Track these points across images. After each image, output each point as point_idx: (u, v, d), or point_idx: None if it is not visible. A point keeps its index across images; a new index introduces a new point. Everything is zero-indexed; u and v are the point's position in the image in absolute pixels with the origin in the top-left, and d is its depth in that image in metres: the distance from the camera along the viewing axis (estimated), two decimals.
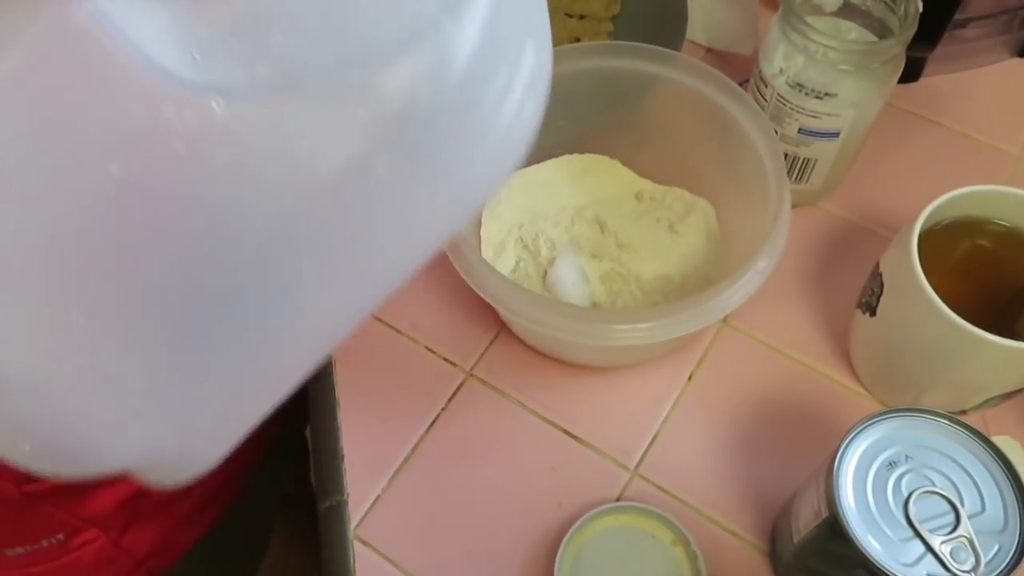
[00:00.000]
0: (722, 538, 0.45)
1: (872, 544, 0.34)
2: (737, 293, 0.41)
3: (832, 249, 0.54)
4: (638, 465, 0.48)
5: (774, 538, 0.44)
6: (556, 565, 0.43)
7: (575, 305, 0.48)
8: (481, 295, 0.43)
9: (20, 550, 0.51)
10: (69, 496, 0.50)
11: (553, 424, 0.49)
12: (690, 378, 0.50)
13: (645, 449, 0.48)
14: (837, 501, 0.35)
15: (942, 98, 0.61)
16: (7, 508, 0.49)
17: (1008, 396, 0.44)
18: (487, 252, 0.52)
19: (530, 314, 0.42)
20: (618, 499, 0.47)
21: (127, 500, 0.53)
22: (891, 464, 0.36)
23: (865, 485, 0.35)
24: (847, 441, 0.36)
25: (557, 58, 0.50)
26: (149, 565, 0.58)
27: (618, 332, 0.41)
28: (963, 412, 0.46)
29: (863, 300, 0.46)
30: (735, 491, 0.47)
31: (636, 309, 0.41)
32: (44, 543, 0.52)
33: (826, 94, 0.47)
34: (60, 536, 0.52)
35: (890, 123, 0.58)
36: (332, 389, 0.50)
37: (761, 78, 0.50)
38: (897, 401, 0.48)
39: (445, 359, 0.51)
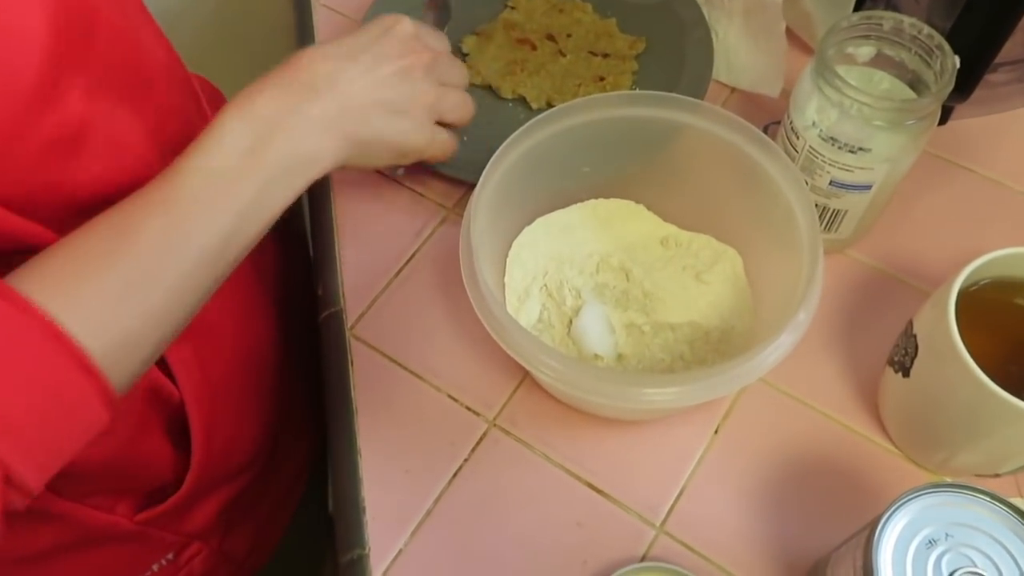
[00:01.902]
0: None
1: None
2: (773, 354, 0.41)
3: (861, 299, 0.54)
4: (664, 522, 0.47)
5: None
6: None
7: (604, 367, 0.48)
8: (508, 351, 0.43)
9: None
10: (176, 516, 0.52)
11: (578, 478, 0.48)
12: (716, 431, 0.50)
13: (671, 505, 0.47)
14: None
15: (972, 142, 0.60)
16: (122, 542, 0.51)
17: None
18: (511, 300, 0.52)
19: (559, 374, 0.41)
20: (644, 557, 0.46)
21: (224, 508, 0.56)
22: (931, 542, 0.35)
23: (904, 565, 0.35)
24: (885, 518, 0.35)
25: (584, 107, 0.50)
26: (250, 564, 0.62)
27: (649, 396, 0.40)
28: (996, 475, 0.45)
29: (896, 359, 0.46)
30: (762, 550, 0.46)
31: (668, 373, 0.41)
32: (155, 567, 0.54)
33: (860, 148, 0.46)
34: (170, 556, 0.54)
35: (919, 168, 0.57)
36: (354, 438, 0.50)
37: (792, 129, 0.49)
38: (928, 461, 0.47)
39: (468, 408, 0.51)
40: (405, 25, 0.48)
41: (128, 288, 0.36)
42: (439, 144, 0.50)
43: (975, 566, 0.34)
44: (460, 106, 0.50)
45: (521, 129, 0.49)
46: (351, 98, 0.44)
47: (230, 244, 0.39)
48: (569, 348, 0.51)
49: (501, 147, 0.48)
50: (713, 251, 0.53)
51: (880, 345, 0.49)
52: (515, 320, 0.43)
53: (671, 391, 0.40)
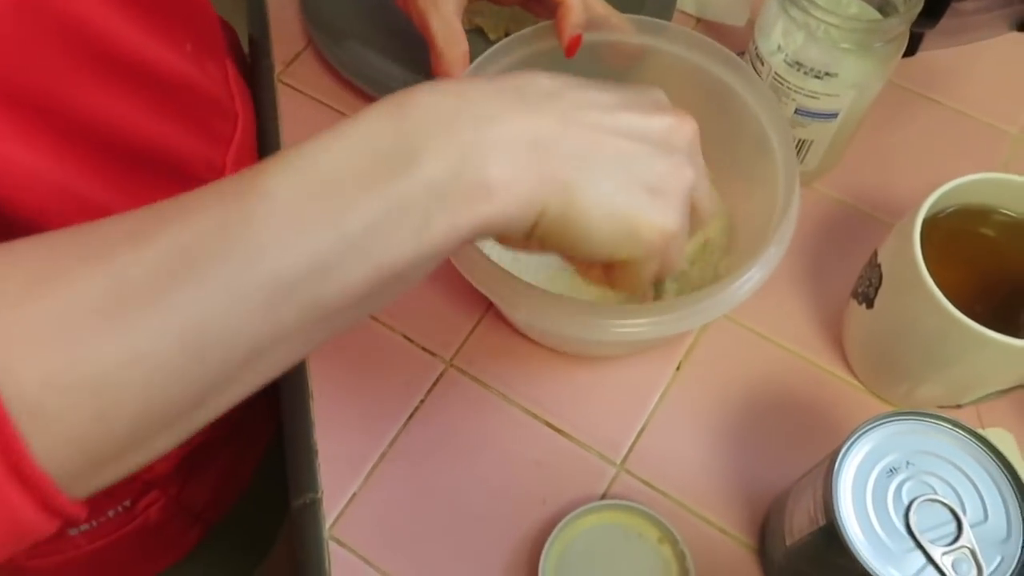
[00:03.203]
0: (710, 535, 0.44)
1: (871, 555, 0.33)
2: (744, 287, 0.39)
3: (826, 233, 0.53)
4: (624, 459, 0.46)
5: (764, 535, 0.43)
6: (540, 566, 0.42)
7: (575, 299, 0.46)
8: (475, 285, 0.41)
9: (85, 527, 0.51)
10: None
11: (536, 417, 0.47)
12: (678, 368, 0.49)
13: (632, 443, 0.47)
14: (835, 510, 0.33)
15: (940, 74, 0.58)
16: None
17: (1005, 392, 0.42)
18: None
19: (528, 309, 0.39)
20: (604, 495, 0.45)
21: (185, 456, 0.54)
22: (892, 471, 0.34)
23: (864, 493, 0.34)
24: (846, 446, 0.34)
25: (541, 34, 0.47)
26: (206, 517, 0.60)
27: (616, 328, 0.39)
28: (958, 407, 0.45)
29: (859, 290, 0.45)
30: (724, 486, 0.45)
31: (636, 305, 0.39)
32: (111, 513, 0.52)
33: (826, 74, 0.45)
34: (126, 503, 0.52)
35: (887, 100, 0.56)
36: (305, 381, 0.48)
37: (757, 55, 0.48)
38: (891, 393, 0.47)
39: (424, 348, 0.49)
40: (662, 93, 0.33)
41: (121, 312, 0.23)
42: (677, 248, 0.31)
43: (935, 493, 0.34)
44: (710, 199, 0.33)
45: (479, 59, 0.46)
46: (578, 123, 0.29)
47: (307, 283, 0.25)
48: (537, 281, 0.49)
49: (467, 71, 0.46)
50: None
51: (845, 279, 0.48)
52: (480, 250, 0.41)
53: (642, 322, 0.39)
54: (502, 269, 0.40)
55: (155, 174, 0.42)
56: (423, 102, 0.27)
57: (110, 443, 0.24)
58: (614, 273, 0.32)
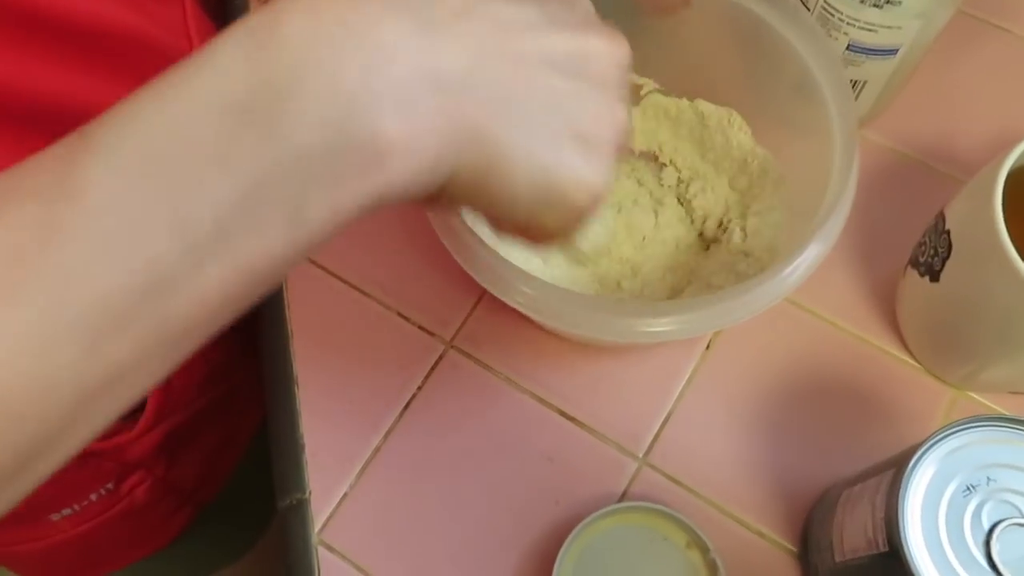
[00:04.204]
0: (744, 538, 0.39)
1: None
2: (797, 271, 0.33)
3: (879, 189, 0.46)
4: (647, 452, 0.41)
5: (806, 541, 0.38)
6: (555, 574, 0.37)
7: (589, 296, 0.40)
8: (473, 276, 0.35)
9: (68, 511, 0.48)
10: (117, 443, 0.46)
11: (548, 405, 0.42)
12: (707, 347, 0.43)
13: (655, 433, 0.41)
14: (901, 538, 0.28)
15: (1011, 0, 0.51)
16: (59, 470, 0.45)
17: None
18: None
19: (533, 302, 0.33)
20: (624, 493, 0.40)
21: (168, 436, 0.50)
22: (969, 489, 0.29)
23: (936, 517, 0.28)
24: (914, 460, 0.29)
25: None
26: (197, 498, 0.56)
27: (642, 328, 0.32)
28: (1019, 392, 0.39)
29: (921, 260, 0.38)
30: (760, 482, 0.40)
31: (667, 302, 0.33)
32: (93, 497, 0.49)
33: (887, 2, 0.38)
34: (109, 486, 0.49)
35: (949, 31, 0.49)
36: (289, 366, 0.43)
37: None
38: (953, 375, 0.41)
39: (421, 327, 0.44)
40: (588, 3, 0.26)
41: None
42: (595, 204, 0.25)
43: (1022, 516, 0.28)
44: (630, 122, 0.27)
45: None
46: (499, 52, 0.22)
47: (143, 306, 0.19)
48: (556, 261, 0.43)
49: None
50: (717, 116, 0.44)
51: (901, 244, 0.42)
52: (478, 236, 0.34)
53: (670, 321, 0.32)
54: (494, 252, 0.34)
55: None
56: (292, 30, 0.20)
57: None
58: (531, 232, 0.26)
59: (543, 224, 0.24)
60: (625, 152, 0.26)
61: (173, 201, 0.19)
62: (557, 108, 0.23)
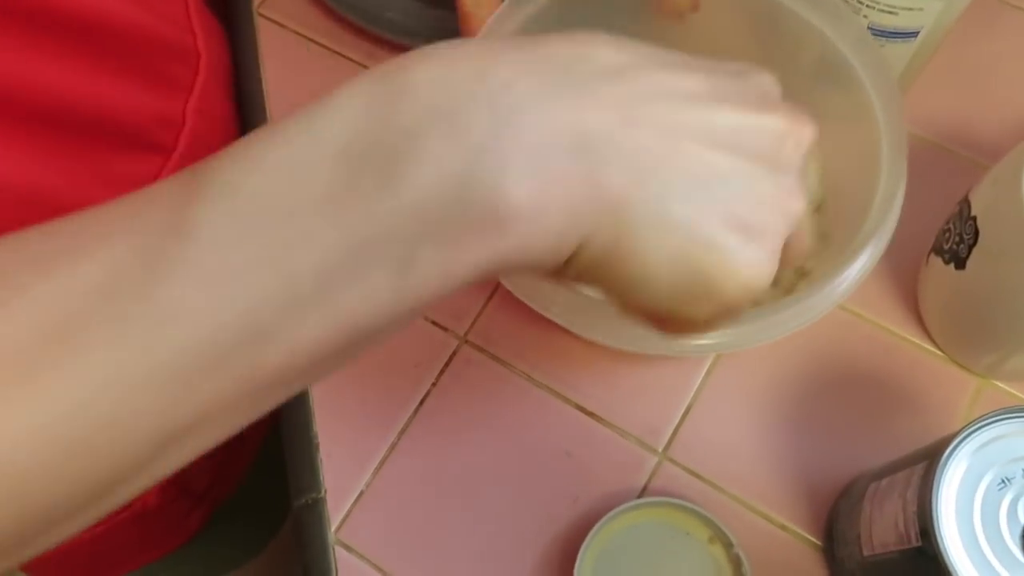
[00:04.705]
0: (768, 532, 0.39)
1: None
2: (848, 279, 0.32)
3: None
4: (668, 446, 0.40)
5: (831, 535, 0.37)
6: (575, 573, 0.37)
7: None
8: (516, 294, 0.34)
9: None
10: None
11: (566, 399, 0.41)
12: None
13: (675, 427, 0.41)
14: (936, 533, 0.27)
15: None
16: None
17: None
18: None
19: (577, 322, 0.32)
20: (645, 488, 0.40)
21: None
22: (1004, 482, 0.28)
23: (971, 511, 0.28)
24: (947, 453, 0.28)
25: None
26: (211, 498, 0.55)
27: (681, 343, 0.32)
28: None
29: (945, 247, 0.38)
30: (782, 475, 0.40)
31: None
32: None
33: None
34: None
35: (969, 13, 0.48)
36: None
37: None
38: (977, 363, 0.40)
39: (434, 322, 0.43)
40: (770, 77, 0.23)
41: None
42: (749, 300, 0.22)
43: None
44: (810, 232, 0.25)
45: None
46: (651, 120, 0.20)
47: (239, 353, 0.19)
48: None
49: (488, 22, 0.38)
50: None
51: (922, 231, 0.41)
52: None
53: (719, 335, 0.32)
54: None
55: (94, 141, 0.35)
56: (422, 79, 0.19)
57: None
58: (667, 323, 0.22)
59: (680, 316, 0.21)
60: (789, 261, 0.23)
61: (280, 249, 0.18)
62: (715, 187, 0.20)
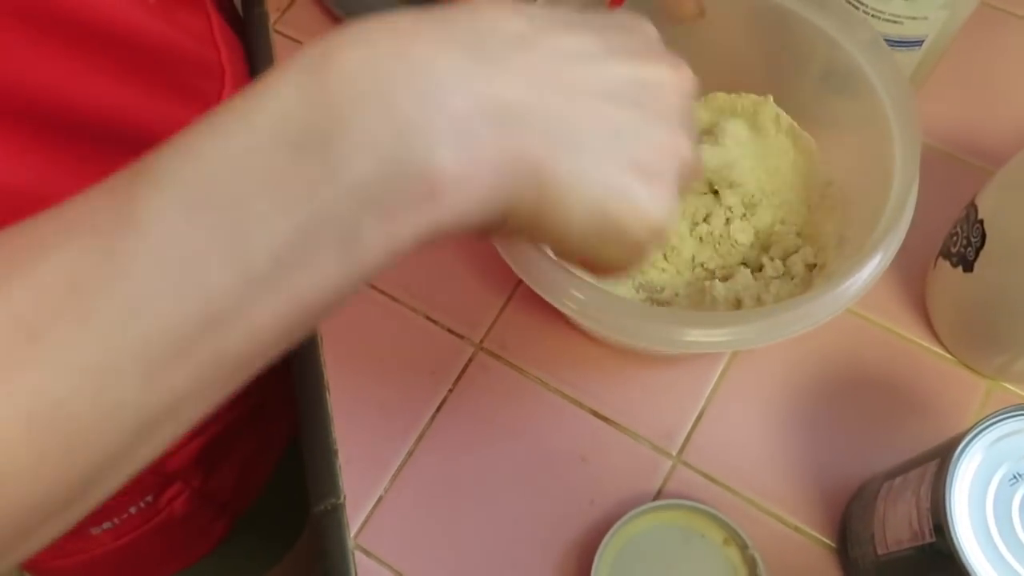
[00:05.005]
0: (782, 534, 0.39)
1: None
2: (860, 280, 0.33)
3: None
4: (681, 450, 0.41)
5: (845, 535, 0.38)
6: (593, 575, 0.37)
7: (649, 307, 0.40)
8: (533, 288, 0.34)
9: (108, 524, 0.49)
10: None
11: (580, 405, 0.42)
12: None
13: (689, 431, 0.41)
14: (950, 528, 0.28)
15: None
16: None
17: None
18: None
19: (602, 319, 0.33)
20: (659, 492, 0.40)
21: (205, 447, 0.50)
22: (1016, 478, 0.29)
23: (984, 507, 0.28)
24: (959, 450, 0.29)
25: None
26: (232, 508, 0.56)
27: (693, 338, 0.32)
28: None
29: (953, 250, 0.38)
30: (796, 478, 0.40)
31: (720, 313, 0.33)
32: (133, 510, 0.49)
33: None
34: (148, 499, 0.49)
35: (972, 22, 0.49)
36: (320, 372, 0.43)
37: None
38: (986, 365, 0.41)
39: (449, 331, 0.44)
40: (652, 28, 0.26)
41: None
42: (667, 236, 0.26)
43: None
44: (698, 160, 0.26)
45: None
46: (557, 83, 0.22)
47: (202, 339, 0.19)
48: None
49: None
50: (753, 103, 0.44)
51: (927, 235, 0.42)
52: (539, 248, 0.34)
53: (743, 329, 0.32)
54: (545, 255, 0.33)
55: (125, 151, 0.36)
56: (348, 61, 0.20)
57: None
58: (591, 265, 0.25)
59: (603, 258, 0.24)
60: (690, 185, 0.25)
61: (231, 235, 0.19)
62: (616, 139, 0.22)
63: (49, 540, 0.20)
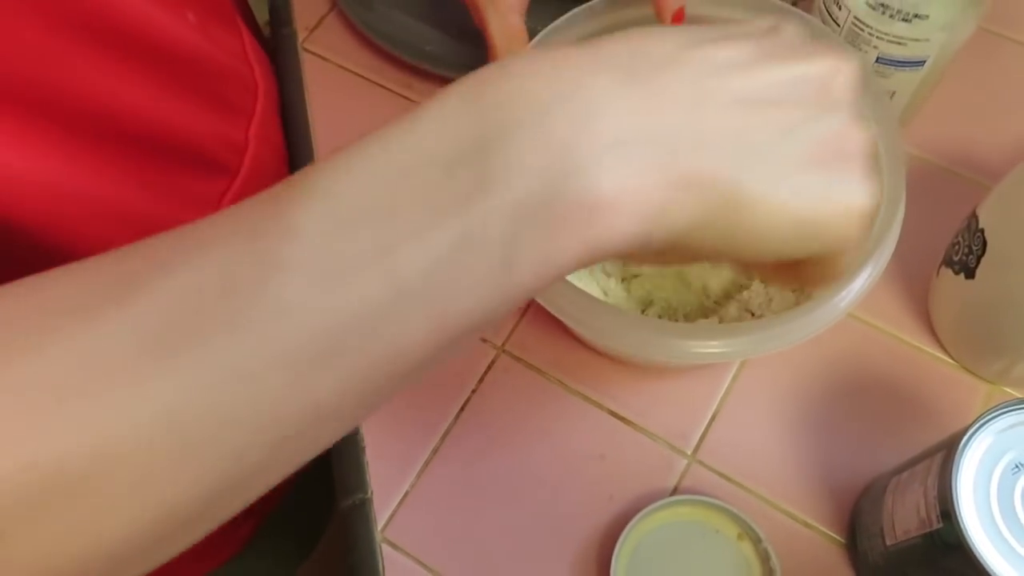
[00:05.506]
0: (793, 530, 0.41)
1: (998, 564, 0.29)
2: (853, 293, 0.35)
3: (908, 195, 0.48)
4: (696, 449, 0.43)
5: (855, 531, 0.39)
6: (612, 567, 0.39)
7: (652, 320, 0.42)
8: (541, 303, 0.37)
9: None
10: None
11: (599, 405, 0.44)
12: None
13: (703, 431, 0.43)
14: (956, 513, 0.29)
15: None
16: None
17: None
18: None
19: (601, 329, 0.35)
20: (676, 488, 0.42)
21: None
22: (1018, 467, 0.30)
23: (988, 494, 0.30)
24: (964, 440, 0.31)
25: (590, 13, 0.42)
26: (259, 509, 0.56)
27: (695, 349, 0.34)
28: None
29: (955, 259, 0.40)
30: (806, 476, 0.42)
31: (729, 326, 0.35)
32: None
33: (915, 15, 0.40)
34: None
35: (969, 45, 0.51)
36: None
37: None
38: (987, 370, 0.43)
39: None
40: (795, 25, 0.25)
41: (87, 391, 0.18)
42: (864, 223, 0.23)
43: None
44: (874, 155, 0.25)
45: (542, 33, 0.40)
46: (715, 99, 0.22)
47: (347, 349, 0.19)
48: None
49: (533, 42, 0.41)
50: None
51: (929, 247, 0.44)
52: None
53: (739, 342, 0.34)
54: (574, 287, 0.35)
55: (168, 160, 0.38)
56: (503, 89, 0.20)
57: (97, 564, 0.18)
58: (798, 271, 0.24)
59: (800, 255, 0.23)
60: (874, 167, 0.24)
61: (383, 246, 0.19)
62: (788, 139, 0.22)
63: (176, 552, 0.20)
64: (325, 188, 0.20)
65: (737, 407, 0.43)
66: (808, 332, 0.35)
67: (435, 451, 0.43)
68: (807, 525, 0.41)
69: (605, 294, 0.44)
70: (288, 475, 0.21)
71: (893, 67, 0.43)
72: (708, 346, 0.34)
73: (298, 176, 0.20)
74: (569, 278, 0.35)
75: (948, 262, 0.41)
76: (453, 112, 0.20)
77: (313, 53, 0.54)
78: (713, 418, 0.43)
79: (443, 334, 0.20)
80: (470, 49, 0.52)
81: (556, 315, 0.36)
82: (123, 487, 0.18)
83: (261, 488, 0.21)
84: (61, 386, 0.18)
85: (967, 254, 0.39)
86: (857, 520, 0.39)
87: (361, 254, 0.19)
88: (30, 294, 0.19)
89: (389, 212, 0.19)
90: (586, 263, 0.21)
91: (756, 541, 0.39)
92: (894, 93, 0.45)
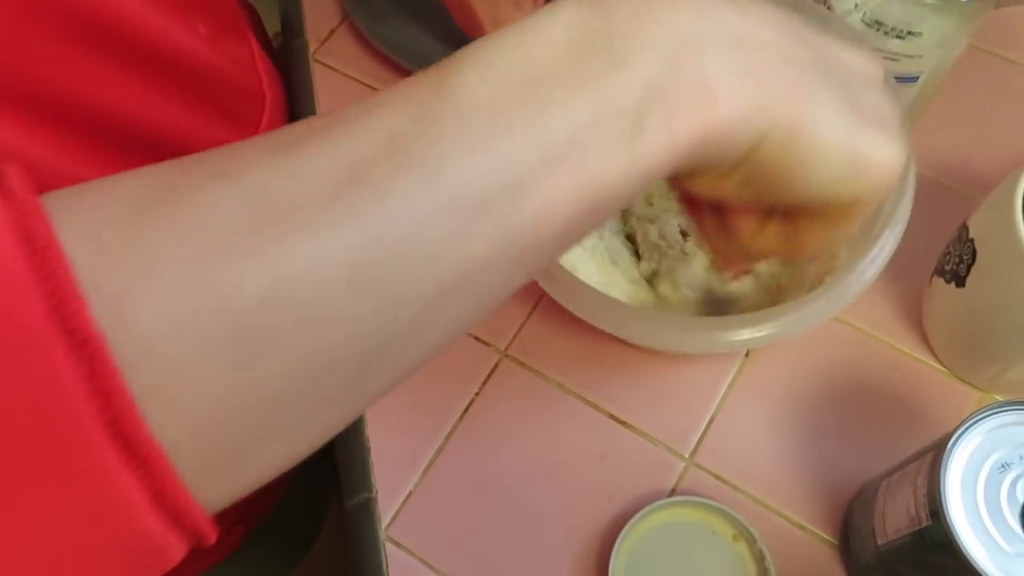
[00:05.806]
0: (787, 531, 0.42)
1: (984, 559, 0.30)
2: (855, 285, 0.36)
3: None
4: (694, 452, 0.44)
5: (847, 532, 0.40)
6: (610, 565, 0.40)
7: (673, 315, 0.43)
8: (566, 306, 0.38)
9: None
10: None
11: (598, 408, 0.45)
12: (747, 354, 0.46)
13: (701, 434, 0.44)
14: (944, 511, 0.30)
15: (1016, 33, 0.55)
16: None
17: None
18: None
19: (627, 328, 0.37)
20: (673, 490, 0.43)
21: None
22: (1004, 466, 0.31)
23: (975, 492, 0.31)
24: (952, 441, 0.32)
25: None
26: (250, 517, 0.57)
27: (727, 338, 0.36)
28: None
29: (947, 268, 0.41)
30: (801, 479, 0.43)
31: (739, 316, 0.37)
32: None
33: (908, 33, 0.41)
34: None
35: (961, 62, 0.53)
36: None
37: None
38: (978, 377, 0.44)
39: (476, 338, 0.47)
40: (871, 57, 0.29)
41: (268, 234, 0.19)
42: (893, 180, 0.26)
43: None
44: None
45: None
46: (793, 33, 0.25)
47: (502, 201, 0.20)
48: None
49: None
50: None
51: (924, 257, 0.45)
52: (566, 270, 0.38)
53: (759, 331, 0.36)
54: (586, 286, 0.37)
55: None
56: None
57: (253, 413, 0.19)
58: (826, 211, 0.26)
59: (841, 196, 0.25)
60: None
61: (533, 109, 0.21)
62: (849, 87, 0.25)
63: (317, 437, 0.21)
64: (474, 63, 0.21)
65: (734, 411, 0.44)
66: (817, 318, 0.37)
67: (439, 451, 0.44)
68: (801, 527, 0.42)
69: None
70: (428, 357, 0.23)
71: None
72: (741, 334, 0.36)
73: (447, 60, 0.22)
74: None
75: (940, 272, 0.42)
76: (575, 12, 0.22)
77: (324, 64, 0.56)
78: (710, 422, 0.44)
79: (580, 202, 0.21)
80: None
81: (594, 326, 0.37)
82: (288, 327, 0.18)
83: (411, 359, 0.22)
84: (239, 230, 0.18)
85: (958, 263, 0.40)
86: (850, 521, 0.40)
87: (511, 115, 0.21)
88: (182, 162, 0.21)
89: (534, 82, 0.21)
90: (698, 150, 0.22)
91: (752, 542, 0.40)
92: None
